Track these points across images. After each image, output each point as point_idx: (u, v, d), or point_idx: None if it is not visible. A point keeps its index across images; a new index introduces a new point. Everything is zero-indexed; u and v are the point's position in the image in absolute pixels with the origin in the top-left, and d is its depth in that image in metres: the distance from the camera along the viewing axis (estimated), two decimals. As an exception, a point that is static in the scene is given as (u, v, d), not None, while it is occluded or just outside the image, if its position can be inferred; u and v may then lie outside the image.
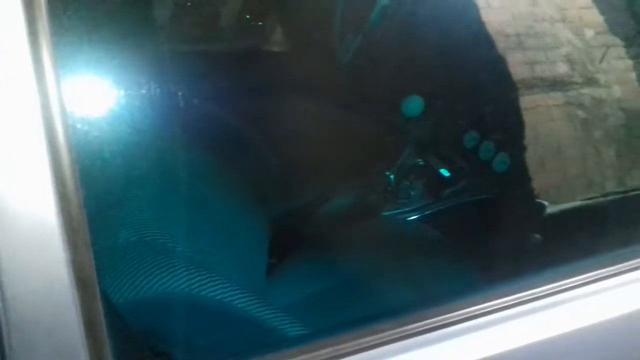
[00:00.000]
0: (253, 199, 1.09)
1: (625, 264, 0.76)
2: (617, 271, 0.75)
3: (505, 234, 1.41)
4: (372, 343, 0.55)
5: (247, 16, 1.70)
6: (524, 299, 0.69)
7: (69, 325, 0.42)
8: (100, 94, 0.56)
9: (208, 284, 0.59)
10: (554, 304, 0.71)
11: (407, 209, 1.34)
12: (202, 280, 0.59)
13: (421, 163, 1.32)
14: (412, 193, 1.33)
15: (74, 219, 0.40)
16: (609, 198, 1.36)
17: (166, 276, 0.57)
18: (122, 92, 0.61)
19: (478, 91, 1.36)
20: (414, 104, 1.23)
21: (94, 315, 0.43)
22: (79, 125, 0.45)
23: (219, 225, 0.85)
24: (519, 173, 1.32)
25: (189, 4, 1.44)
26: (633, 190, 1.39)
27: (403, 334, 0.58)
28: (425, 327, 0.62)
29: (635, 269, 0.77)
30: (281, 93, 1.69)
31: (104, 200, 0.56)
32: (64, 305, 0.42)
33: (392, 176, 1.31)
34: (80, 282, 0.41)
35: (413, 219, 1.34)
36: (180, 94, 0.98)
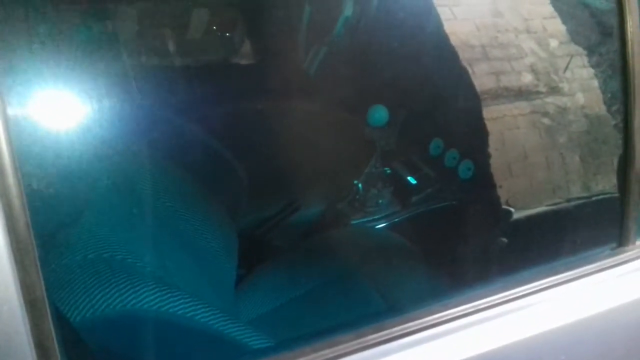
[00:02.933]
0: (220, 209, 1.08)
1: (589, 266, 0.78)
2: (581, 274, 0.77)
3: (472, 239, 1.43)
4: (331, 355, 0.55)
5: (214, 27, 1.69)
6: (488, 304, 0.70)
7: (20, 347, 0.42)
8: (48, 110, 0.55)
9: (169, 300, 0.58)
10: (520, 308, 0.72)
11: (375, 217, 1.34)
12: (162, 297, 0.58)
13: (388, 171, 1.33)
14: (380, 201, 1.34)
15: (21, 240, 0.39)
16: (573, 203, 1.39)
17: (125, 293, 0.56)
18: (71, 106, 0.60)
19: (442, 101, 1.38)
20: (379, 114, 1.24)
21: (45, 336, 0.42)
22: (25, 143, 0.44)
23: (183, 239, 0.84)
24: (484, 179, 1.34)
25: (154, 16, 1.43)
26: (596, 195, 1.43)
27: (364, 345, 0.58)
28: (388, 337, 0.62)
29: (598, 271, 0.79)
30: (247, 104, 1.68)
31: (57, 218, 0.55)
32: (14, 328, 0.41)
33: (360, 185, 1.31)
34: (30, 303, 0.41)
35: (381, 227, 1.35)
36: (140, 105, 0.98)
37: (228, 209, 1.14)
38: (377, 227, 1.35)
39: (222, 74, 1.71)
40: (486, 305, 0.69)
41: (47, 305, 0.42)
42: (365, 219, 1.34)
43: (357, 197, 1.33)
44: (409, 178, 1.39)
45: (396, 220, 1.35)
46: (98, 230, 0.64)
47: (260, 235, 1.31)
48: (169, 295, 0.59)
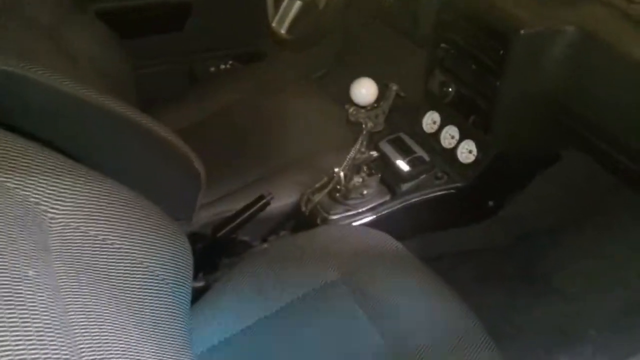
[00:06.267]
0: (163, 212, 0.86)
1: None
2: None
3: (475, 235, 1.27)
4: None
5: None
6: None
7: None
8: None
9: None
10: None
11: (360, 210, 1.15)
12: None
13: (374, 155, 1.13)
14: (365, 192, 1.15)
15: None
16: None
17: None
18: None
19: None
20: (365, 87, 1.03)
21: None
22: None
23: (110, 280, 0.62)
24: (489, 163, 1.15)
25: None
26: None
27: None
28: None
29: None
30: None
31: None
32: None
33: (341, 173, 1.11)
34: None
35: (367, 221, 1.16)
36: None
37: (178, 210, 0.93)
38: (361, 221, 1.15)
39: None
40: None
41: None
42: (347, 214, 1.14)
43: (338, 187, 1.13)
44: (398, 162, 1.20)
45: (384, 212, 1.16)
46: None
47: (224, 237, 1.10)
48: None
